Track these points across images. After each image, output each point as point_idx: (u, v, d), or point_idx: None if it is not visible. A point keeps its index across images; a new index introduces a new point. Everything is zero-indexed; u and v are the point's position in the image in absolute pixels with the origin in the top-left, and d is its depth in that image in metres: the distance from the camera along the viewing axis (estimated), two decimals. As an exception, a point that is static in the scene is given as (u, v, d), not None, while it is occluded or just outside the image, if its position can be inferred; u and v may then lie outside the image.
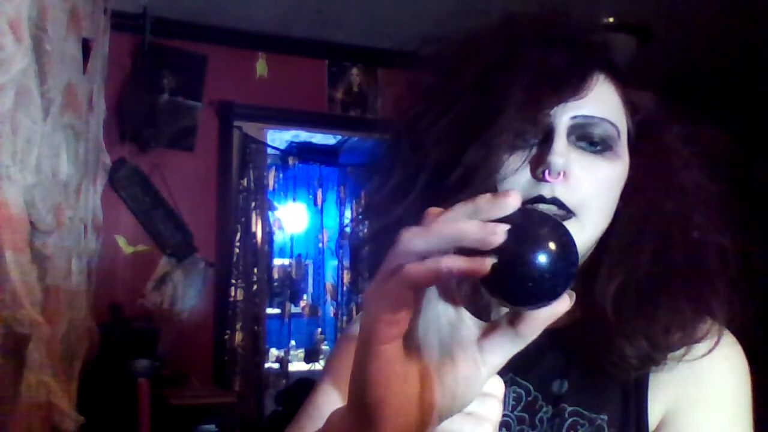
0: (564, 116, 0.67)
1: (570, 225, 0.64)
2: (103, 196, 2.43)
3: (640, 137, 0.73)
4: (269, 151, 3.88)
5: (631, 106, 0.73)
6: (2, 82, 1.38)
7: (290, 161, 4.74)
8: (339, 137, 4.72)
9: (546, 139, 0.67)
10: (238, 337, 3.36)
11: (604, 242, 0.71)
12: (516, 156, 0.67)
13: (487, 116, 0.66)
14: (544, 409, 0.70)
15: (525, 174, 0.67)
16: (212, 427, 2.79)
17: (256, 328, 3.49)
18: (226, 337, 3.33)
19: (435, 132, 0.70)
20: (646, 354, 0.66)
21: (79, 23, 1.94)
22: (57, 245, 1.73)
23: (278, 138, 4.53)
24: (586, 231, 0.67)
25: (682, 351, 0.67)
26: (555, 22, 0.72)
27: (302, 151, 4.95)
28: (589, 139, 0.68)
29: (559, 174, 0.65)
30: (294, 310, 5.30)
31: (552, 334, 0.73)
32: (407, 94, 0.77)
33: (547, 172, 0.65)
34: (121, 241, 3.11)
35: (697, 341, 0.67)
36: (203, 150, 3.30)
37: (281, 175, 4.92)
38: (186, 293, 3.22)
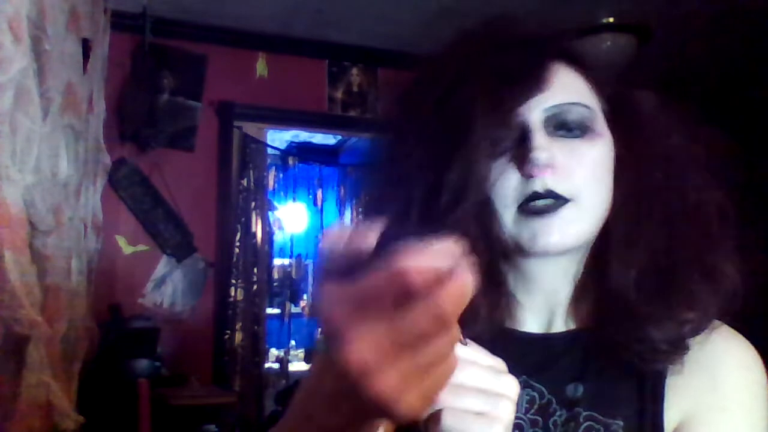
0: (535, 111, 0.69)
1: (569, 210, 0.66)
2: (103, 196, 2.43)
3: (614, 113, 0.74)
4: (269, 151, 3.87)
5: (599, 86, 0.74)
6: (1, 82, 1.37)
7: (290, 161, 4.74)
8: (339, 137, 4.72)
9: (525, 138, 0.68)
10: (238, 337, 3.36)
11: (607, 231, 0.70)
12: (501, 162, 0.68)
13: (458, 134, 0.67)
14: (558, 412, 0.69)
15: (514, 176, 0.68)
16: (212, 427, 2.79)
17: (256, 328, 3.49)
18: (226, 337, 3.33)
19: (415, 163, 0.70)
20: (676, 336, 0.66)
21: (79, 23, 1.94)
22: (57, 245, 1.72)
23: (278, 138, 4.53)
24: (586, 215, 0.68)
25: (697, 351, 0.67)
26: (504, 28, 0.73)
27: (302, 151, 4.95)
28: (566, 126, 0.69)
29: (546, 167, 0.66)
30: (294, 310, 5.30)
31: (569, 335, 0.72)
32: (389, 127, 0.77)
33: (534, 168, 0.66)
34: (121, 241, 3.11)
35: (714, 319, 0.67)
36: (203, 150, 3.29)
37: (281, 175, 4.92)
38: (186, 293, 3.22)
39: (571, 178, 0.67)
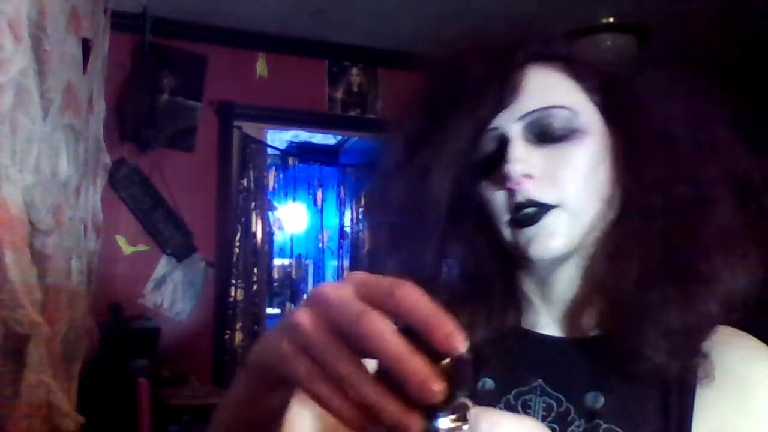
0: (510, 121, 0.67)
1: (556, 217, 0.65)
2: (103, 196, 2.43)
3: (609, 102, 0.70)
4: (269, 151, 3.87)
5: (587, 78, 0.70)
6: (1, 82, 1.38)
7: (290, 161, 4.74)
8: (339, 137, 4.72)
9: (505, 152, 0.67)
10: (238, 337, 3.36)
11: (618, 227, 0.68)
12: (489, 181, 0.69)
13: (438, 159, 0.68)
14: (577, 422, 0.66)
15: (502, 191, 0.67)
16: (212, 427, 2.79)
17: (256, 328, 3.49)
18: (226, 337, 3.33)
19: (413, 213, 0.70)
20: (677, 343, 0.62)
21: (79, 23, 1.94)
22: (57, 245, 1.73)
23: (278, 138, 4.53)
24: (577, 218, 0.66)
25: (727, 365, 0.64)
26: (468, 49, 0.72)
27: (302, 151, 4.95)
28: (549, 132, 0.67)
29: (523, 178, 0.65)
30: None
31: (589, 341, 0.69)
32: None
33: (509, 181, 0.65)
34: (121, 241, 3.11)
35: (719, 322, 0.65)
36: (203, 150, 3.30)
37: (281, 175, 4.92)
38: (186, 293, 3.22)
39: (557, 184, 0.65)
